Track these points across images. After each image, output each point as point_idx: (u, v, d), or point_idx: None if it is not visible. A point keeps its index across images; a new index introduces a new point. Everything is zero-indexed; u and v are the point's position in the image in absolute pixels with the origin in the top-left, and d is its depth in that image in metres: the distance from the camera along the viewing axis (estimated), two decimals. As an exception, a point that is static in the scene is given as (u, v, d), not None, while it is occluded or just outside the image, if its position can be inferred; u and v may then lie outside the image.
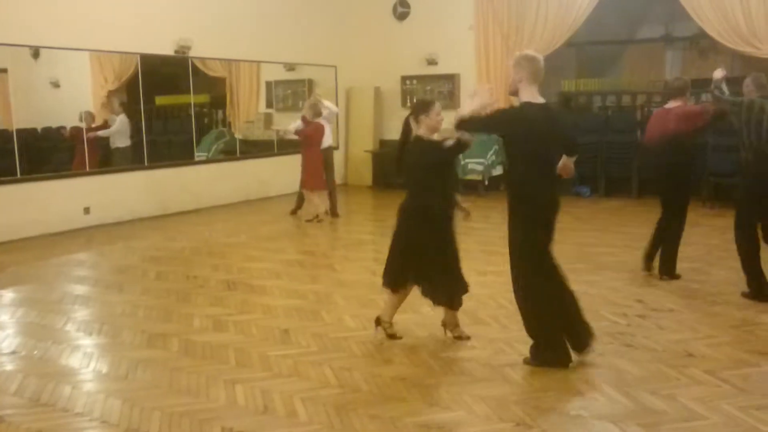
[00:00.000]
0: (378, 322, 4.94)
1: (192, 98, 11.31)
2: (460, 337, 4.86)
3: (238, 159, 12.20)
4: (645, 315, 5.31)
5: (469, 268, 6.68)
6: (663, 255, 6.34)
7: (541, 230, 4.28)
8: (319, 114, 9.24)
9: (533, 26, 12.13)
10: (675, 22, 13.76)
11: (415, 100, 4.46)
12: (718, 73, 5.92)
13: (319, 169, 9.26)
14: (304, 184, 9.41)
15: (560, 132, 4.44)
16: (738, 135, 5.71)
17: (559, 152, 4.36)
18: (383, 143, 13.79)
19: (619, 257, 7.17)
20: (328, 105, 9.58)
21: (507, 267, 6.69)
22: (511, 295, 5.80)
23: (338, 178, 13.80)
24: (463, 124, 4.41)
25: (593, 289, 6.05)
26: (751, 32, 10.47)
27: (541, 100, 4.32)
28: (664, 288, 6.04)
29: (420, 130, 4.72)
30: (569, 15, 11.79)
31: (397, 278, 4.83)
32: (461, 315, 5.31)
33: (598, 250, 7.58)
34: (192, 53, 10.86)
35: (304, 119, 9.28)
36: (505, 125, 4.41)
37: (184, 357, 4.66)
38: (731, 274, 6.37)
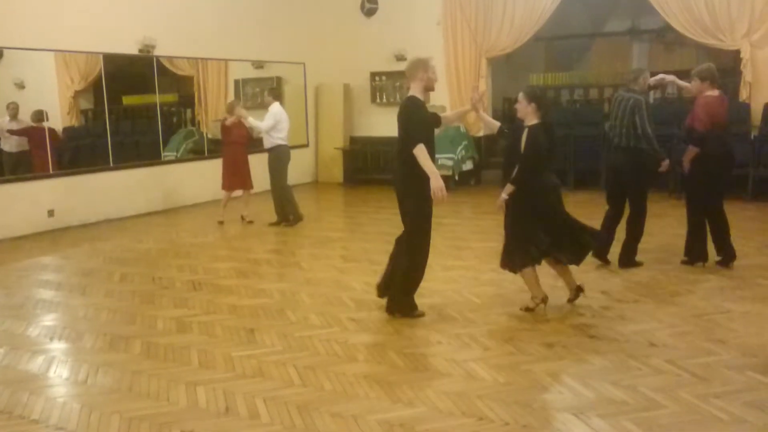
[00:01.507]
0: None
1: (158, 98, 11.15)
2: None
3: (206, 158, 12.06)
4: (609, 306, 5.34)
5: (435, 263, 6.72)
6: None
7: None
8: (230, 112, 9.06)
9: (501, 21, 12.17)
10: (641, 15, 13.91)
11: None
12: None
13: (234, 168, 9.15)
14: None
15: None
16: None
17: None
18: (353, 140, 13.76)
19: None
20: (251, 122, 8.97)
21: (474, 261, 6.76)
22: (478, 289, 5.89)
23: (308, 175, 13.79)
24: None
25: (560, 281, 6.05)
26: (715, 25, 10.60)
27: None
28: (629, 279, 6.09)
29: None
30: (536, 9, 11.84)
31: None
32: (426, 308, 5.32)
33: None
34: (157, 52, 10.71)
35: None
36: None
37: (145, 360, 4.59)
38: (696, 266, 6.45)
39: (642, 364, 4.19)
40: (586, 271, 6.36)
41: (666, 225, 8.04)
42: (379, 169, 13.32)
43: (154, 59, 10.71)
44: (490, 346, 4.58)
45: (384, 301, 5.32)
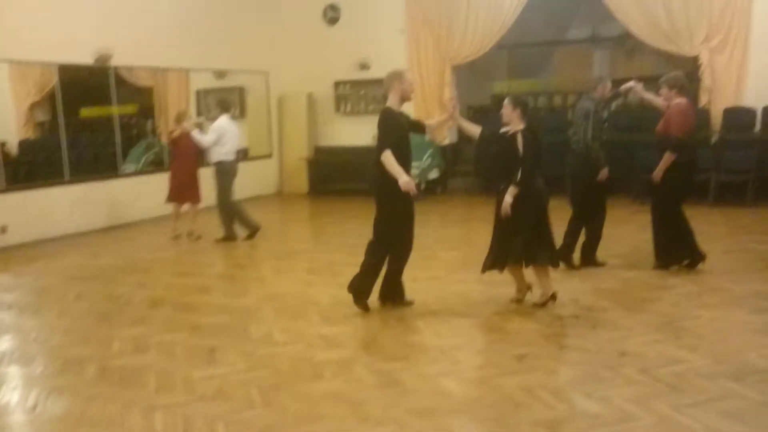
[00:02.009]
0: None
1: (115, 109, 10.86)
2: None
3: (167, 170, 11.75)
4: (579, 315, 5.27)
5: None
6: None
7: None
8: (179, 123, 8.71)
9: (464, 29, 12.15)
10: (601, 22, 14.04)
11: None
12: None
13: (182, 181, 8.79)
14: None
15: None
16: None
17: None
18: (318, 150, 13.60)
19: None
20: (195, 136, 8.54)
21: (441, 272, 6.64)
22: (446, 300, 5.77)
23: (273, 186, 13.59)
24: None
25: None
26: (674, 31, 10.72)
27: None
28: (599, 287, 6.04)
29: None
30: (498, 17, 11.85)
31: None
32: (394, 322, 5.19)
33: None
34: (114, 62, 10.43)
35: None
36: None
37: (100, 383, 4.36)
38: (663, 271, 6.44)
39: (615, 375, 4.11)
40: (555, 279, 6.30)
41: (631, 230, 8.06)
42: (344, 178, 13.17)
43: (111, 69, 10.42)
44: (460, 359, 4.46)
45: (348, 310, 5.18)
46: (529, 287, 5.61)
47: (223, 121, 8.60)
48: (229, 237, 8.64)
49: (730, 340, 4.63)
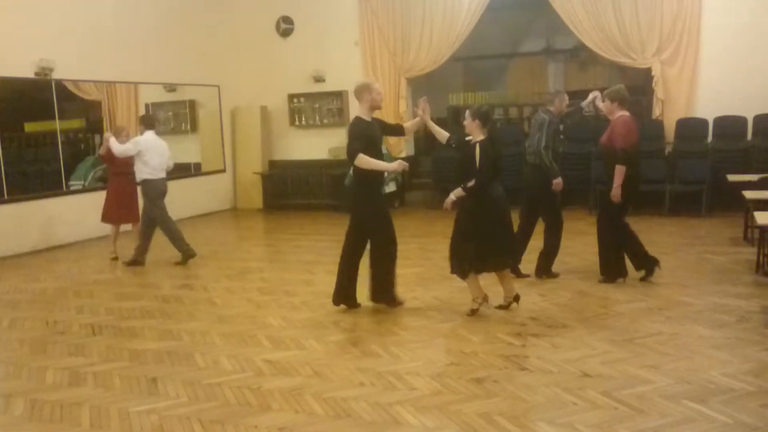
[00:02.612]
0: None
1: (59, 124, 10.41)
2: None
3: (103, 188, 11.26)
4: (539, 333, 5.11)
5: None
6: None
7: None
8: (117, 137, 8.23)
9: (419, 41, 12.06)
10: (555, 35, 14.15)
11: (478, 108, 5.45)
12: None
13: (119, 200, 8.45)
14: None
15: None
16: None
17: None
18: (273, 164, 13.31)
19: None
20: (111, 141, 8.08)
21: (398, 290, 6.42)
22: (404, 321, 5.55)
23: (227, 202, 13.24)
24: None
25: (485, 307, 5.83)
26: (626, 44, 10.79)
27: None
28: (557, 303, 5.90)
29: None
30: (453, 30, 11.79)
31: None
32: (349, 345, 4.96)
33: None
34: (58, 75, 10.01)
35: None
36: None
37: (28, 422, 4.02)
38: (621, 285, 6.35)
39: (577, 398, 3.94)
40: (513, 295, 6.17)
41: (588, 243, 7.94)
42: (300, 193, 12.92)
43: (52, 83, 9.99)
44: (417, 385, 4.25)
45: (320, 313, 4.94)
46: (485, 298, 5.62)
47: (148, 136, 8.14)
48: (189, 255, 8.23)
49: (693, 357, 4.52)
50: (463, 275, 5.52)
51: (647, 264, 6.45)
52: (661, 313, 5.50)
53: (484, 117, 5.39)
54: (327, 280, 7.00)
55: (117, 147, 8.03)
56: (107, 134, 8.38)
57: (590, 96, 6.87)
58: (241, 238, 10.66)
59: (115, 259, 8.57)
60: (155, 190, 8.12)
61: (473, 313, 5.55)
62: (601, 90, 7.01)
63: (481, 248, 5.38)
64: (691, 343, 4.80)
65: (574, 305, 5.82)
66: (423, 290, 6.47)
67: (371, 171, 5.47)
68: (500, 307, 5.68)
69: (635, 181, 6.33)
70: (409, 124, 6.20)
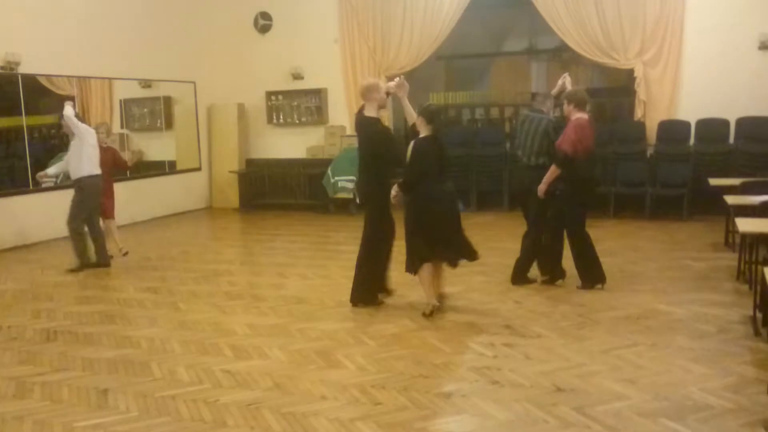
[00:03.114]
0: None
1: (24, 119, 10.09)
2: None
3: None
4: (512, 343, 4.91)
5: (328, 298, 6.18)
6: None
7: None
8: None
9: (399, 39, 11.83)
10: (538, 35, 13.96)
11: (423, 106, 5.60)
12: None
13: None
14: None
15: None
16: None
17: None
18: (250, 163, 13.03)
19: (491, 276, 6.80)
20: (68, 109, 7.64)
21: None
22: (374, 329, 5.33)
23: (202, 201, 12.94)
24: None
25: (460, 315, 5.64)
26: (609, 44, 10.63)
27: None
28: (533, 310, 5.71)
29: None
30: (434, 28, 11.58)
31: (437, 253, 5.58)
32: (314, 355, 4.74)
33: (467, 269, 7.12)
34: (26, 69, 9.68)
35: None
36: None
37: (-36, 439, 3.77)
38: (600, 293, 6.17)
39: (548, 415, 3.74)
40: (488, 303, 5.99)
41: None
42: (277, 193, 12.66)
43: (19, 77, 9.66)
44: (381, 399, 4.03)
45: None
46: (442, 296, 5.75)
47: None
48: (86, 265, 7.79)
49: (671, 370, 4.33)
50: (414, 270, 5.55)
51: (556, 272, 6.38)
52: (640, 322, 5.32)
53: (427, 114, 5.44)
54: (298, 285, 6.81)
55: (74, 121, 7.60)
56: (67, 102, 7.98)
57: (559, 81, 6.64)
58: (214, 238, 10.38)
59: (126, 254, 8.27)
60: (96, 188, 7.76)
61: (430, 314, 5.52)
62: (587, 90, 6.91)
63: (428, 238, 5.46)
64: (670, 354, 4.62)
65: (550, 313, 5.62)
66: (396, 296, 6.24)
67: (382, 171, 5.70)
68: (424, 315, 5.54)
69: (591, 185, 6.28)
70: (408, 117, 5.82)
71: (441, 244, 5.48)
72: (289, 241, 9.35)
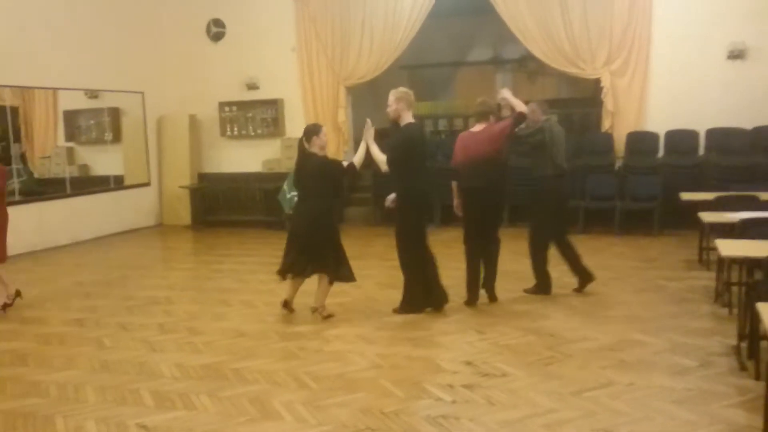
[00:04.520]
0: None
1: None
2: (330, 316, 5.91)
3: (27, 202, 10.22)
4: (474, 384, 4.35)
5: (273, 330, 5.61)
6: (488, 279, 6.26)
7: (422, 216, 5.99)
8: None
9: (359, 47, 11.31)
10: (504, 44, 13.61)
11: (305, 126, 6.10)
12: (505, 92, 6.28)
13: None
14: None
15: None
16: (534, 157, 6.38)
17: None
18: (202, 177, 12.35)
19: (451, 300, 6.25)
20: None
21: (321, 325, 5.63)
22: (319, 369, 4.74)
23: (152, 218, 12.23)
24: (389, 163, 5.84)
25: (418, 349, 5.08)
26: (575, 53, 10.25)
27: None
28: (497, 343, 5.17)
29: (313, 148, 5.82)
30: (395, 36, 11.08)
31: (292, 267, 5.85)
32: (248, 403, 4.12)
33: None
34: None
35: None
36: (405, 144, 5.84)
37: None
38: (571, 318, 5.67)
39: (513, 480, 3.20)
40: (449, 332, 5.44)
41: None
42: (232, 209, 11.99)
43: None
44: (321, 460, 3.45)
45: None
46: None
47: None
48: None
49: (652, 417, 3.82)
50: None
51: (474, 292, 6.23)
52: (614, 355, 4.82)
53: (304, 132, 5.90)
54: (241, 314, 6.20)
55: None
56: None
57: (501, 94, 6.36)
58: (159, 259, 9.66)
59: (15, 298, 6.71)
60: None
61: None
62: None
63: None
64: (649, 396, 4.10)
65: (516, 345, 5.09)
66: (347, 326, 5.67)
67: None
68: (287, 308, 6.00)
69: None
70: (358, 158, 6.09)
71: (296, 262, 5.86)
72: (239, 262, 8.71)
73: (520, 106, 5.98)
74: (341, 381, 4.49)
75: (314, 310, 5.90)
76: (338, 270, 5.80)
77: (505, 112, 6.45)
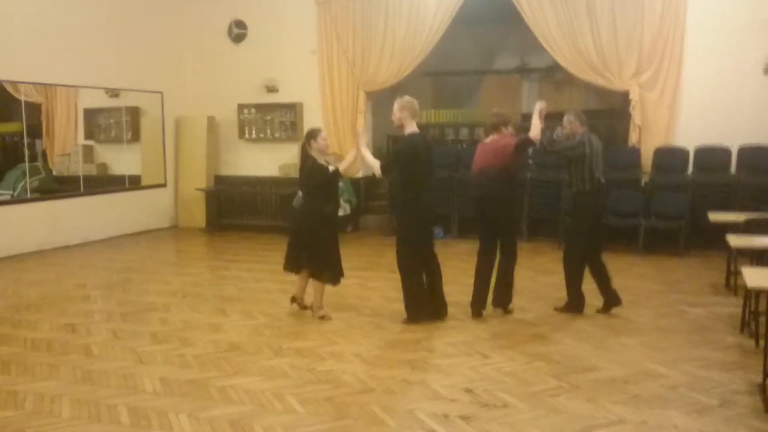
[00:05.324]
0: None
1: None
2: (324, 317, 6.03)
3: (41, 199, 10.18)
4: (470, 416, 4.04)
5: (267, 345, 5.38)
6: (499, 292, 6.15)
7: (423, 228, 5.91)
8: None
9: (380, 52, 11.05)
10: (530, 53, 13.24)
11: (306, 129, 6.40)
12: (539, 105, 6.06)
13: None
14: None
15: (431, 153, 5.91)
16: (573, 171, 6.03)
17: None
18: (219, 179, 12.19)
19: (461, 321, 5.95)
20: None
21: (315, 342, 5.36)
22: (307, 391, 4.46)
23: (167, 220, 12.09)
24: (384, 169, 5.87)
25: (416, 372, 4.78)
26: (603, 64, 9.87)
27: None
28: (501, 369, 4.84)
29: (312, 152, 5.96)
30: (417, 41, 10.81)
31: (294, 263, 6.09)
32: (226, 427, 3.86)
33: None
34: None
35: None
36: (405, 153, 5.75)
37: None
38: (582, 345, 5.33)
39: None
40: (451, 355, 5.13)
41: (556, 282, 6.95)
42: (246, 213, 11.81)
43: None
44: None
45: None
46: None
47: None
48: None
49: (662, 462, 3.48)
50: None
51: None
52: (627, 389, 4.46)
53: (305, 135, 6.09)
54: (238, 325, 5.96)
55: None
56: None
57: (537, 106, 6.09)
58: (165, 263, 9.45)
59: None
60: None
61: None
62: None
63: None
64: (662, 438, 3.76)
65: (523, 372, 4.77)
66: (345, 342, 5.40)
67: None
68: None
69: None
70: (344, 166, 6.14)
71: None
72: (245, 269, 8.49)
73: (534, 130, 5.81)
74: (329, 405, 4.21)
75: (308, 307, 6.13)
76: (322, 271, 5.94)
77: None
